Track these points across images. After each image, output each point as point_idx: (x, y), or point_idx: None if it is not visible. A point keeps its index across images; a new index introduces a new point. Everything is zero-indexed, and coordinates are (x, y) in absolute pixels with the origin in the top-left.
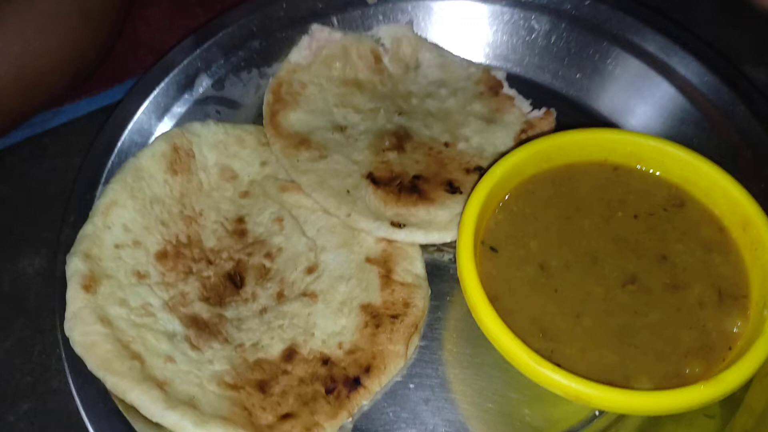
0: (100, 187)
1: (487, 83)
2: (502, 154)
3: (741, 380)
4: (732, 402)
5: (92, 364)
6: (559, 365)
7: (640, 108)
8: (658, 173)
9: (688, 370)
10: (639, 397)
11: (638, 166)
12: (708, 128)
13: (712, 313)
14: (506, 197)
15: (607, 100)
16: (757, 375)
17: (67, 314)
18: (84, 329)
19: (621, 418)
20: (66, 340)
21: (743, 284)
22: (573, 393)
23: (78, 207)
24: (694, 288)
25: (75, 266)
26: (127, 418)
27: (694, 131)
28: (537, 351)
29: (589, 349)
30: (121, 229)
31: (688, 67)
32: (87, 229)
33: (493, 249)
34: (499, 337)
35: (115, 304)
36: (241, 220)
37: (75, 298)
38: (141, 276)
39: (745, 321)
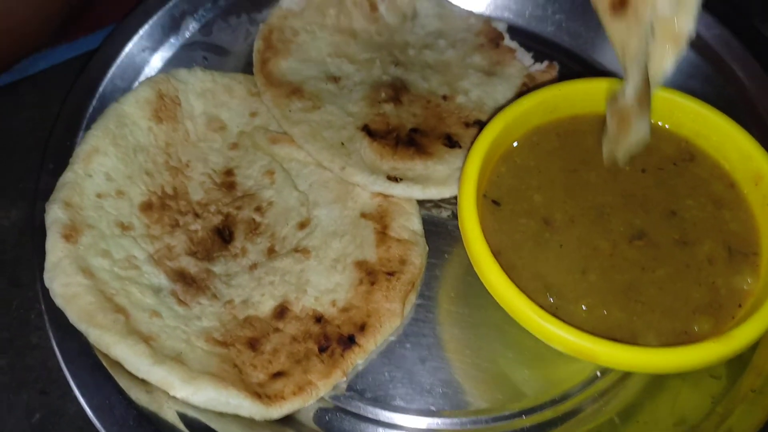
0: (80, 133)
1: (488, 35)
2: (502, 108)
3: (752, 338)
4: (738, 362)
5: (74, 317)
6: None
7: None
8: (667, 126)
9: (697, 327)
10: (646, 354)
11: None
12: (717, 83)
13: (722, 270)
14: (509, 149)
15: (612, 53)
16: (766, 335)
17: (47, 264)
18: (65, 280)
19: (622, 379)
20: (46, 291)
21: (754, 241)
22: (579, 349)
23: (57, 153)
24: (704, 244)
25: (55, 214)
26: (111, 373)
27: (702, 85)
28: (541, 307)
29: (594, 305)
30: (104, 177)
31: (698, 20)
32: (67, 176)
33: (495, 202)
34: (503, 292)
35: (97, 255)
36: (229, 172)
37: (55, 247)
38: (125, 227)
39: (756, 278)
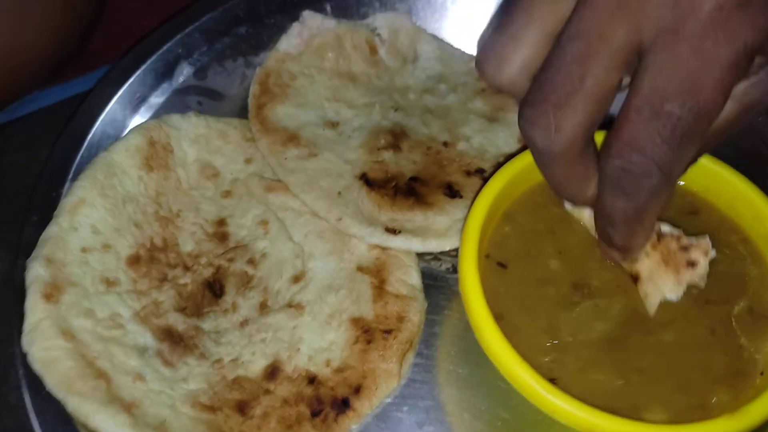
0: (67, 184)
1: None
2: (506, 156)
3: None
4: None
5: (52, 383)
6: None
7: None
8: (681, 182)
9: (715, 398)
10: (652, 431)
11: None
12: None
13: (745, 333)
14: (511, 206)
15: (618, 104)
16: None
17: (26, 327)
18: (44, 344)
19: None
20: (24, 355)
21: None
22: (579, 423)
23: (42, 205)
24: (727, 304)
25: (36, 272)
26: None
27: None
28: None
29: (600, 371)
30: (89, 230)
31: None
32: (51, 230)
33: (501, 264)
34: (504, 359)
35: (79, 315)
36: (222, 222)
37: (35, 308)
38: (110, 283)
39: None
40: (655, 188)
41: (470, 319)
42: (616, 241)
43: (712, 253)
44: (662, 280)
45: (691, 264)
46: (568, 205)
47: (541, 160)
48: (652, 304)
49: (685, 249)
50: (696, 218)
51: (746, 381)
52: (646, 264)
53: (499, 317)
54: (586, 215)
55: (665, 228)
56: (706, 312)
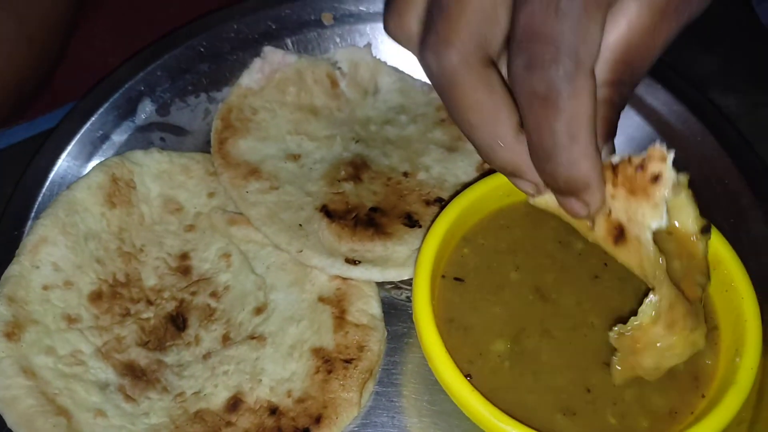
0: (29, 223)
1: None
2: (464, 185)
3: None
4: None
5: (12, 422)
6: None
7: None
8: None
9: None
10: None
11: None
12: (675, 159)
13: None
14: (470, 230)
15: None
16: (730, 424)
17: None
18: (4, 382)
19: None
20: None
21: (714, 320)
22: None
23: (4, 245)
24: None
25: None
26: None
27: None
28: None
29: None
30: (51, 268)
31: (655, 95)
32: (12, 269)
33: (458, 279)
34: (457, 389)
35: (41, 353)
36: (185, 256)
37: None
38: (71, 320)
39: (716, 358)
40: (569, 78)
41: (423, 350)
42: (561, 174)
43: (670, 156)
44: (640, 213)
45: (655, 178)
46: (531, 199)
47: (441, 88)
48: (647, 242)
49: (641, 167)
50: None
51: (687, 401)
52: (618, 207)
53: (449, 320)
54: (549, 200)
55: (615, 158)
56: None
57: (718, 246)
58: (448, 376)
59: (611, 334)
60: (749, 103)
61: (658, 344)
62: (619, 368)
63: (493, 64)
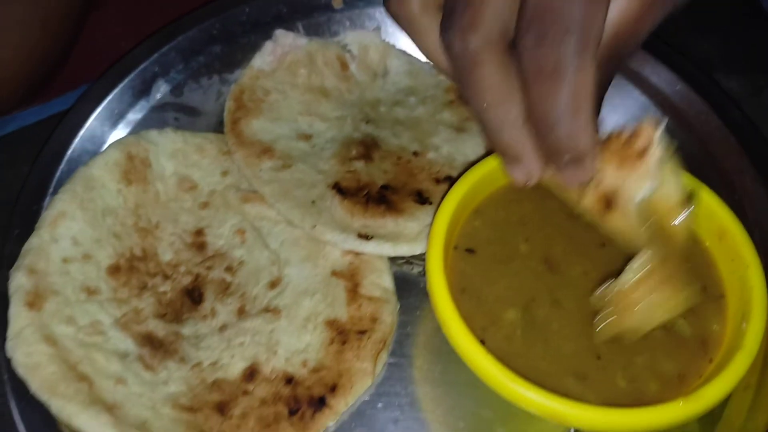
0: (47, 198)
1: (457, 91)
2: (473, 164)
3: (720, 396)
4: (710, 418)
5: (36, 387)
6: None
7: (611, 117)
8: None
9: (660, 384)
10: (616, 415)
11: None
12: (680, 138)
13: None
14: (482, 204)
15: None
16: (736, 389)
17: (9, 333)
18: (28, 349)
19: None
20: (8, 361)
21: (721, 288)
22: (549, 411)
23: (23, 219)
24: None
25: (18, 282)
26: None
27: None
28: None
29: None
30: (70, 242)
31: (660, 76)
32: (32, 242)
33: (469, 250)
34: (470, 352)
35: (61, 323)
36: (200, 232)
37: (18, 315)
38: (91, 292)
39: (723, 324)
40: (578, 53)
41: (437, 316)
42: (563, 144)
43: (660, 128)
44: (628, 183)
45: (643, 151)
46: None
47: (462, 68)
48: (633, 211)
49: (630, 141)
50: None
51: (695, 366)
52: (608, 180)
53: (461, 290)
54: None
55: (604, 133)
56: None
57: (725, 217)
58: (462, 341)
59: (596, 294)
60: (751, 86)
61: (646, 301)
62: (602, 326)
63: (510, 50)
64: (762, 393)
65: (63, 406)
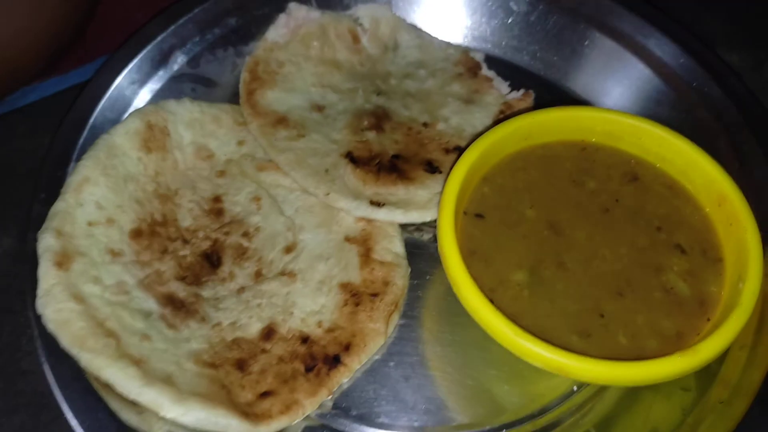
0: (71, 164)
1: (466, 64)
2: (480, 134)
3: (717, 351)
4: (707, 376)
5: (66, 342)
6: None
7: (616, 89)
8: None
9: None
10: (617, 368)
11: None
12: (683, 109)
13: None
14: (489, 171)
15: (584, 81)
16: (732, 348)
17: (39, 291)
18: (57, 306)
19: (598, 393)
20: (38, 317)
21: (719, 252)
22: (554, 365)
23: (49, 184)
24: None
25: (47, 243)
26: (102, 396)
27: (669, 112)
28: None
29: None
30: (94, 206)
31: (663, 49)
32: (59, 205)
33: (478, 215)
34: (479, 308)
35: (88, 282)
36: (217, 199)
37: (47, 274)
38: (115, 254)
39: (720, 286)
40: None
41: (447, 274)
42: None
43: None
44: None
45: None
46: None
47: None
48: None
49: None
50: (637, 183)
51: (694, 324)
52: None
53: (471, 252)
54: None
55: None
56: (657, 249)
57: (724, 185)
58: (473, 300)
59: None
60: (753, 60)
61: None
62: None
63: None
64: (757, 352)
65: (92, 359)
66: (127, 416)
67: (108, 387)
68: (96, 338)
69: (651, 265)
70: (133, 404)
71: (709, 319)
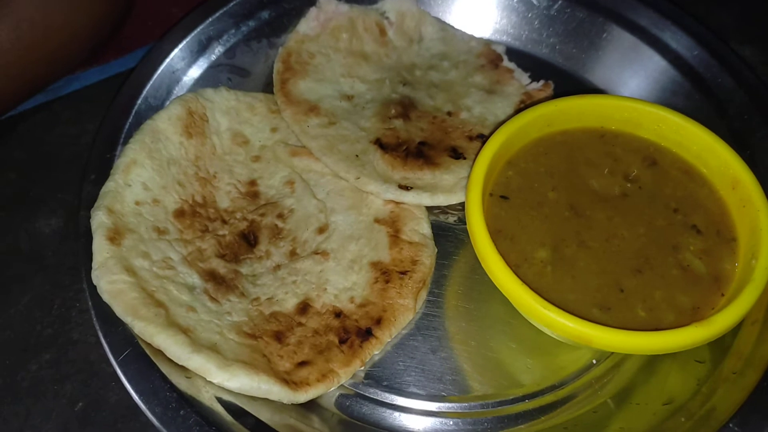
0: (119, 147)
1: (488, 56)
2: (502, 123)
3: (731, 323)
4: (721, 348)
5: (120, 310)
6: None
7: (633, 81)
8: (652, 138)
9: (675, 314)
10: (636, 337)
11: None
12: (697, 99)
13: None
14: (513, 156)
15: (602, 73)
16: (745, 322)
17: (94, 263)
18: (111, 278)
19: (616, 365)
20: (92, 289)
21: (733, 232)
22: (576, 334)
23: (98, 165)
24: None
25: (100, 219)
26: (154, 361)
27: (684, 102)
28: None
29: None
30: (141, 187)
31: (679, 42)
32: (109, 185)
33: (503, 197)
34: (506, 281)
35: (138, 257)
36: (253, 182)
37: (101, 248)
38: (161, 232)
39: (734, 265)
40: None
41: (475, 248)
42: None
43: None
44: None
45: None
46: None
47: None
48: None
49: None
50: (655, 168)
51: (709, 299)
52: None
53: (497, 231)
54: None
55: None
56: (675, 230)
57: (738, 169)
58: (500, 274)
59: None
60: (764, 54)
61: None
62: None
63: None
64: None
65: (145, 327)
66: (177, 380)
67: (159, 353)
68: (147, 308)
69: (668, 244)
70: (183, 369)
71: (723, 294)
